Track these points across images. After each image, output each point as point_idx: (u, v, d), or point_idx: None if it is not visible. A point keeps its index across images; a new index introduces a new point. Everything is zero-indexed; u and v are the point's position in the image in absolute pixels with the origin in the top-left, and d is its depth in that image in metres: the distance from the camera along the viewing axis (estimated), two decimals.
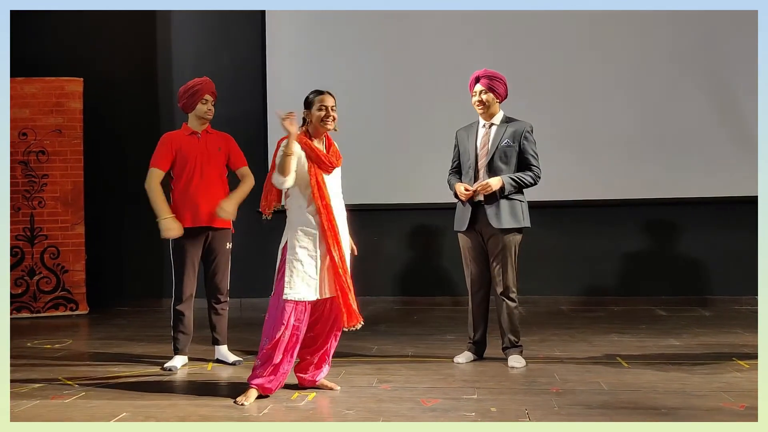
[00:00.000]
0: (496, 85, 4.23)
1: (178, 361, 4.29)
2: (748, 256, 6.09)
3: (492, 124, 4.28)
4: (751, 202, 6.02)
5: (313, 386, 3.74)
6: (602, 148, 6.42)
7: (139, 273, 6.87)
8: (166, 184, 4.35)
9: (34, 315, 6.38)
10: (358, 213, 6.70)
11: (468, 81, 4.33)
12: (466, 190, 4.19)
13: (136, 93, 6.98)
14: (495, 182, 4.14)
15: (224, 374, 4.14)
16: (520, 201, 4.25)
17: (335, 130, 3.62)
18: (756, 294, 6.09)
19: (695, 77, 6.34)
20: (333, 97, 3.64)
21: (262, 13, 6.76)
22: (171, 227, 4.17)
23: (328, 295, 3.57)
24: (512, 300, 4.23)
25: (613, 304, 6.39)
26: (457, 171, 4.41)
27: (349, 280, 3.57)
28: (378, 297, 6.71)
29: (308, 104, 3.63)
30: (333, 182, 3.63)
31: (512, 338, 4.24)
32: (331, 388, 3.72)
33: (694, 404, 3.37)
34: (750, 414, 3.19)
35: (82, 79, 6.60)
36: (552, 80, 6.45)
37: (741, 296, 6.26)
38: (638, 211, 6.48)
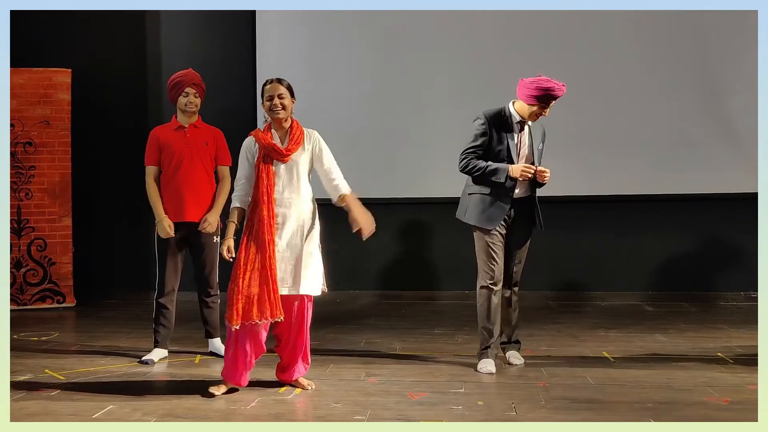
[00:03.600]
0: None
1: (156, 355, 4.28)
2: (734, 252, 6.14)
3: (526, 123, 4.07)
4: (739, 199, 6.08)
5: (289, 383, 3.68)
6: (592, 145, 6.42)
7: (126, 266, 6.83)
8: None
9: (21, 307, 6.33)
10: None
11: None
12: (525, 170, 3.90)
13: (125, 85, 6.92)
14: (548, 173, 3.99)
15: (218, 367, 4.07)
16: None
17: (285, 119, 3.52)
18: (741, 290, 6.18)
19: (687, 74, 6.34)
20: (282, 84, 3.52)
21: (252, 11, 6.72)
22: (162, 228, 4.21)
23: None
24: (516, 295, 4.23)
25: (600, 300, 6.42)
26: (480, 158, 4.00)
27: (274, 274, 3.42)
28: (366, 291, 6.71)
29: (262, 96, 3.57)
30: (290, 171, 3.54)
31: (514, 334, 4.21)
32: (304, 387, 3.62)
33: (678, 399, 3.39)
34: (734, 409, 3.23)
35: (70, 70, 6.53)
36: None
37: (727, 292, 6.29)
38: (626, 207, 6.49)
